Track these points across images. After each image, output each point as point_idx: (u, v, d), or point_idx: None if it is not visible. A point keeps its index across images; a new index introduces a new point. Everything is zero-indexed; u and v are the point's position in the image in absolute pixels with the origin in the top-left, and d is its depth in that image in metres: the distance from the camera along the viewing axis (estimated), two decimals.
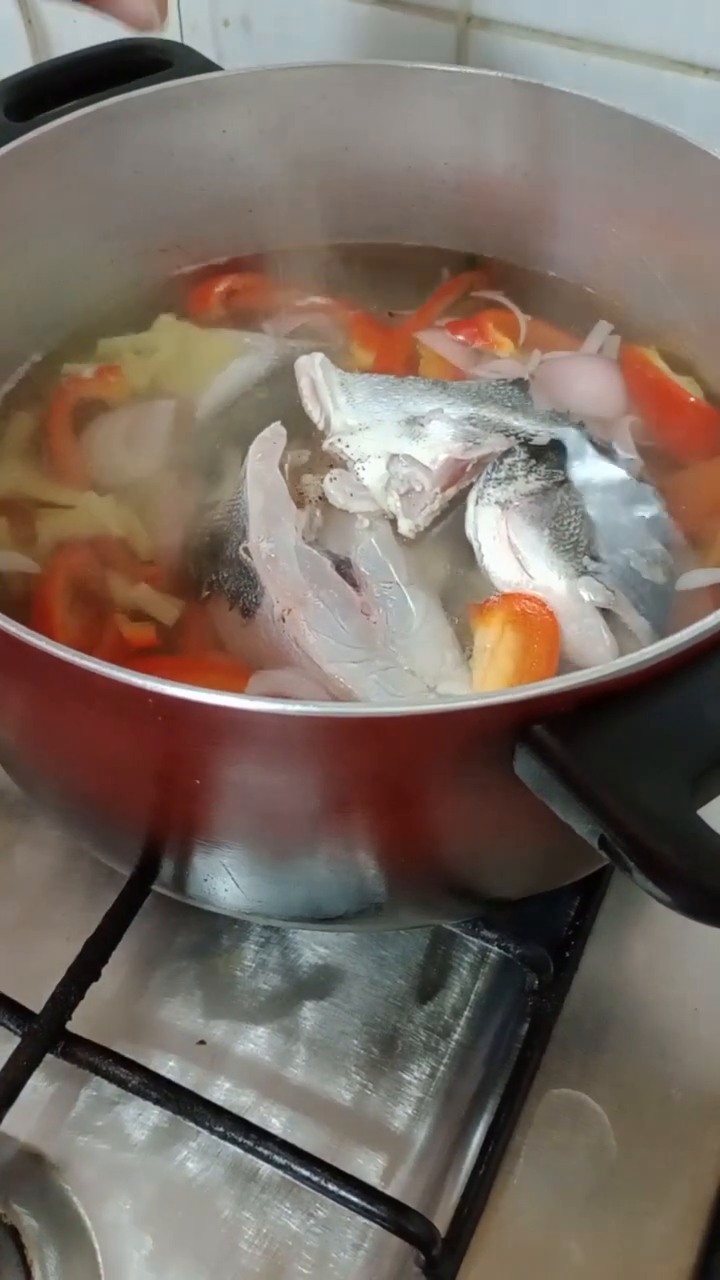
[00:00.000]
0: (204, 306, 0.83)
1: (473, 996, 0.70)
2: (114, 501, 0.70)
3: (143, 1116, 0.66)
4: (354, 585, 0.63)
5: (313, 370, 0.74)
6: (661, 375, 0.76)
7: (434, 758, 0.47)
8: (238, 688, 0.59)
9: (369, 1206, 0.59)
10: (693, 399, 0.76)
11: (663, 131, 0.73)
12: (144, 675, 0.44)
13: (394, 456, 0.68)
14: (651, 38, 0.86)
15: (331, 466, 0.69)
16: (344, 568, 0.64)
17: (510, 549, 0.65)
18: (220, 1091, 0.67)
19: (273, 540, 0.63)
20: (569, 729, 0.44)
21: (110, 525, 0.68)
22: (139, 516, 0.69)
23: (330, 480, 0.67)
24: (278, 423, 0.70)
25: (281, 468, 0.67)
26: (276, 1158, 0.61)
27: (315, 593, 0.62)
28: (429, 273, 0.86)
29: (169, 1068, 0.67)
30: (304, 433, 0.71)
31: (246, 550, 0.64)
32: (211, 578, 0.65)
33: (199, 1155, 0.65)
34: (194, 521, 0.69)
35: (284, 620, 0.61)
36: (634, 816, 0.42)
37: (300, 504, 0.66)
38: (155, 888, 0.66)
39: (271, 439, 0.68)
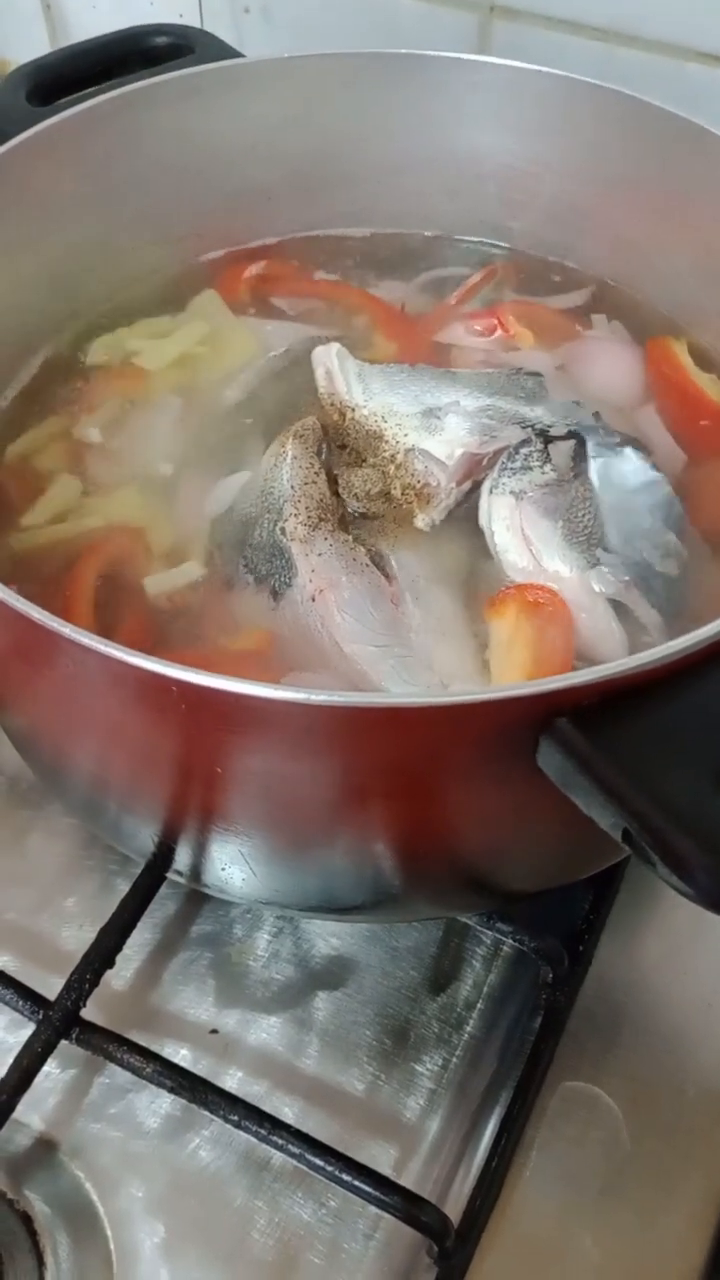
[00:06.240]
0: (231, 293, 0.83)
1: (485, 989, 0.70)
2: (139, 492, 0.70)
3: (155, 1104, 0.66)
4: (385, 576, 0.63)
5: (329, 360, 0.73)
6: (684, 374, 0.76)
7: (456, 749, 0.47)
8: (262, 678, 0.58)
9: (382, 1196, 0.59)
10: (715, 402, 0.75)
11: (687, 123, 0.73)
12: (168, 663, 0.44)
13: (410, 451, 0.68)
14: (677, 29, 0.86)
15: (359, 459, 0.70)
16: (377, 559, 0.64)
17: (523, 540, 0.65)
18: (233, 1080, 0.67)
19: (310, 523, 0.63)
20: (593, 722, 0.44)
21: (136, 516, 0.68)
22: (165, 507, 0.69)
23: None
24: (313, 417, 0.70)
25: (316, 457, 0.67)
26: (290, 1147, 0.61)
27: (348, 578, 0.62)
28: (452, 264, 0.86)
29: (182, 1056, 0.67)
30: (331, 422, 0.71)
31: (283, 530, 0.64)
32: (242, 561, 0.65)
33: (211, 1144, 0.65)
34: (223, 508, 0.69)
35: (314, 600, 0.61)
36: (658, 810, 0.42)
37: (334, 493, 0.66)
38: (170, 876, 0.66)
39: (308, 429, 0.69)
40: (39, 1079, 0.63)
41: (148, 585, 0.65)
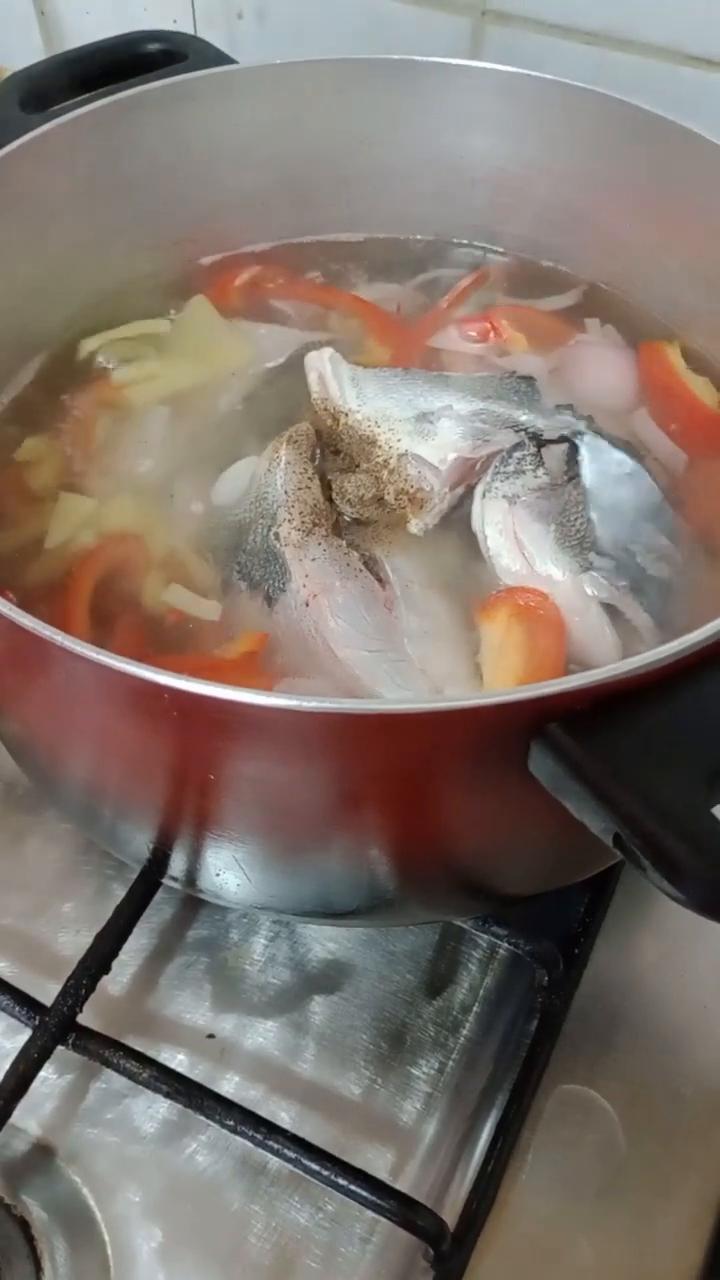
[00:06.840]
0: (224, 298, 0.83)
1: (482, 992, 0.71)
2: (134, 499, 0.70)
3: (152, 1109, 0.66)
4: (379, 581, 0.63)
5: (321, 365, 0.73)
6: (677, 378, 0.76)
7: (449, 755, 0.47)
8: (256, 684, 0.58)
9: (378, 1201, 0.59)
10: (706, 406, 0.75)
11: (677, 127, 0.73)
12: (159, 670, 0.44)
13: (403, 456, 0.68)
14: (669, 33, 0.86)
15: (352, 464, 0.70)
16: (371, 564, 0.64)
17: (516, 543, 0.65)
18: (230, 1085, 0.67)
19: (304, 528, 0.64)
20: (585, 727, 0.44)
21: (132, 523, 0.68)
22: (161, 514, 0.69)
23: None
24: (306, 423, 0.70)
25: (309, 462, 0.67)
26: (286, 1151, 0.61)
27: (342, 582, 0.62)
28: (444, 268, 0.86)
29: (178, 1061, 0.67)
30: (324, 427, 0.71)
31: (277, 535, 0.64)
32: (236, 567, 0.65)
33: (208, 1148, 0.65)
34: (218, 514, 0.69)
35: (307, 605, 0.61)
36: (649, 814, 0.42)
37: (327, 498, 0.66)
38: (166, 882, 0.66)
39: (301, 434, 0.69)
40: (35, 1084, 0.63)
41: (166, 595, 0.65)
